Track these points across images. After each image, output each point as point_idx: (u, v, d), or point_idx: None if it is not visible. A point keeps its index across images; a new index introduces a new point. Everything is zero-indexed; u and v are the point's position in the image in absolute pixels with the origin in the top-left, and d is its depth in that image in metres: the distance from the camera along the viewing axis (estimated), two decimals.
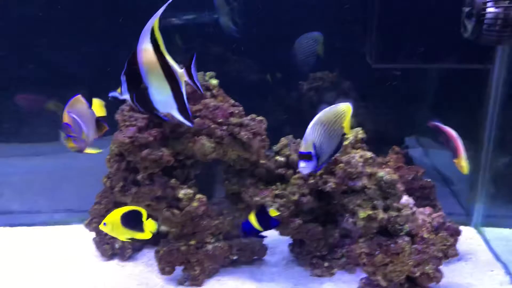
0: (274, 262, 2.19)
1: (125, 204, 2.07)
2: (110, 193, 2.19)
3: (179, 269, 2.03)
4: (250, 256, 2.11)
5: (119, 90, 1.57)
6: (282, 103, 2.89)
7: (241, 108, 1.94)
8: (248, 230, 1.78)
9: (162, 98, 1.53)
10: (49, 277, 2.08)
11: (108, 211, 2.21)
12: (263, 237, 1.89)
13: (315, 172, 1.83)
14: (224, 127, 1.88)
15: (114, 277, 2.08)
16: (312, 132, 1.60)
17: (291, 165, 1.96)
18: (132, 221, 1.75)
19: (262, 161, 1.95)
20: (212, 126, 1.87)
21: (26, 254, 2.28)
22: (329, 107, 1.63)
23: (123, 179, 2.03)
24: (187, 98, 1.93)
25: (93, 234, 2.26)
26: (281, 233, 2.01)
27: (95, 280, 2.05)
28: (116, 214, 1.71)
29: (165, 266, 1.98)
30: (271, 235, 2.18)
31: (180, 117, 1.55)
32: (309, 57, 2.69)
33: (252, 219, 1.78)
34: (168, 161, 1.86)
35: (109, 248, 2.17)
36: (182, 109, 1.55)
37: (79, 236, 2.44)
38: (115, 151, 2.00)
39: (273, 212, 1.84)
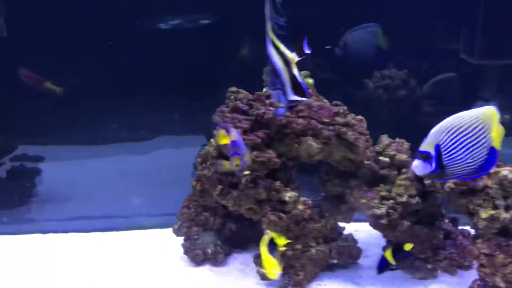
0: (369, 265, 2.13)
1: (218, 207, 2.04)
2: (199, 196, 2.15)
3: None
4: (347, 259, 2.06)
5: (279, 104, 1.55)
6: (348, 101, 2.83)
7: (345, 107, 1.89)
8: (384, 265, 1.78)
9: (288, 86, 1.52)
10: (140, 285, 2.04)
11: (197, 215, 2.17)
12: (396, 268, 1.92)
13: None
14: (331, 127, 1.83)
15: (210, 283, 2.02)
16: (438, 132, 1.49)
17: (396, 166, 1.91)
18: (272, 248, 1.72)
19: (366, 162, 1.89)
20: (319, 126, 1.82)
21: (111, 260, 2.24)
22: (469, 110, 1.50)
23: (218, 181, 1.99)
24: None
25: (180, 239, 2.22)
26: (386, 236, 1.96)
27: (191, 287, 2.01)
28: (268, 258, 1.66)
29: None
30: (360, 238, 2.15)
31: (298, 98, 1.54)
32: (368, 52, 2.56)
33: (388, 255, 1.76)
34: (275, 163, 1.81)
35: (201, 254, 2.12)
36: (296, 90, 1.55)
37: (160, 240, 2.41)
38: (213, 153, 1.96)
39: (408, 246, 1.79)
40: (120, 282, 2.04)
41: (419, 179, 1.90)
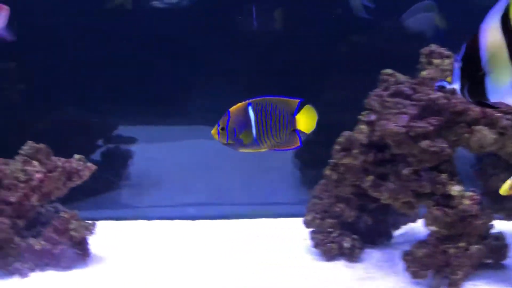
0: None
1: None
2: (334, 186, 2.01)
3: None
4: (498, 259, 1.91)
5: (449, 79, 1.35)
6: None
7: None
8: None
9: (501, 86, 1.29)
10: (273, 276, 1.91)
11: (331, 206, 2.03)
12: None
13: None
14: (509, 116, 1.67)
15: (351, 280, 1.89)
16: None
17: None
18: None
19: None
20: (497, 115, 1.66)
21: (228, 251, 2.11)
22: None
23: (363, 171, 1.84)
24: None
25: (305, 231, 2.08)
26: None
27: (333, 282, 1.87)
28: None
29: (420, 270, 1.78)
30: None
31: None
32: (425, 32, 2.34)
33: None
34: (448, 154, 1.65)
35: (335, 248, 1.98)
36: None
37: (276, 231, 2.29)
38: (364, 141, 1.81)
39: None
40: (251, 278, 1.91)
41: None
